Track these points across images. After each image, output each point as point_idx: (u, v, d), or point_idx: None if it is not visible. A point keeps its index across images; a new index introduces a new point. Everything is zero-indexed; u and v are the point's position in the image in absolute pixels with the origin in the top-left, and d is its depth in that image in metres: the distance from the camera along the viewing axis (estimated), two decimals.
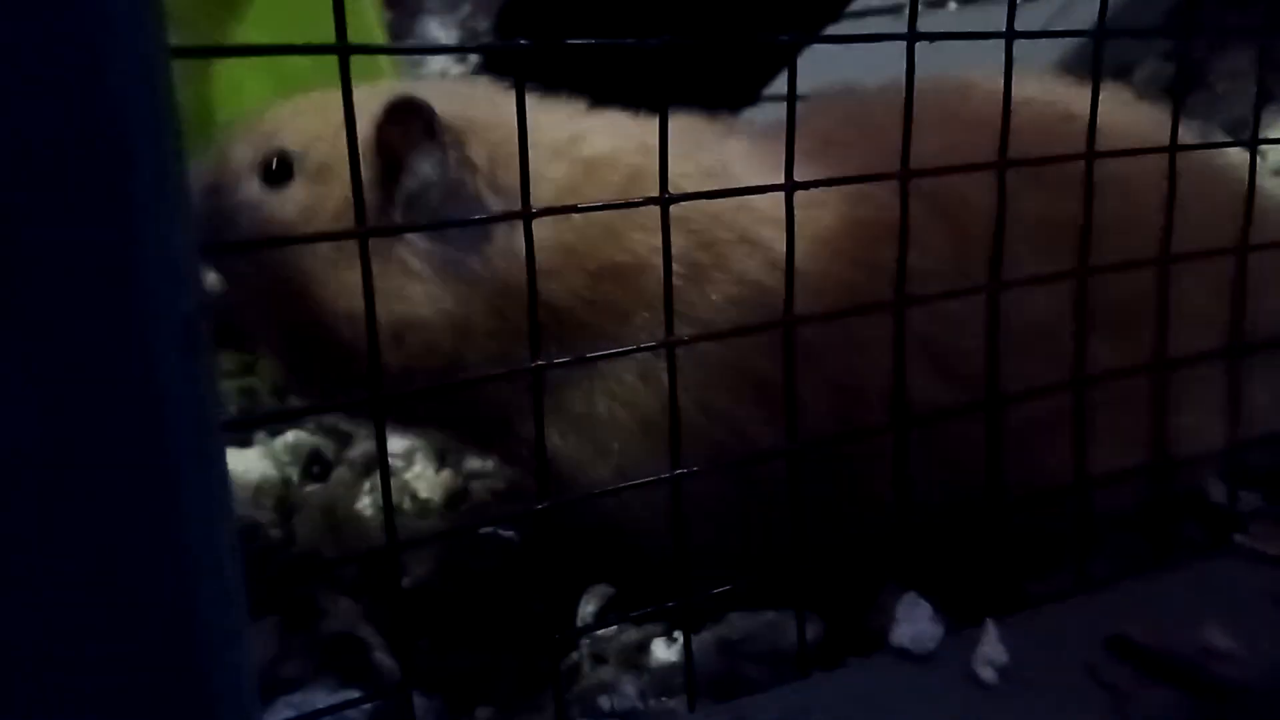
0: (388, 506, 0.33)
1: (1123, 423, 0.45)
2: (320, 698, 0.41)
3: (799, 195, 0.36)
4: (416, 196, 0.42)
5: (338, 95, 0.29)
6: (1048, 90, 0.50)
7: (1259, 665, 0.37)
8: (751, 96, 1.01)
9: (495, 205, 0.42)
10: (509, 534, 0.55)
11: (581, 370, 0.42)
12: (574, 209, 0.37)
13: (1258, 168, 0.47)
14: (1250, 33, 0.92)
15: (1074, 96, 0.47)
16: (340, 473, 0.60)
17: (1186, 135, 0.45)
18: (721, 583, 0.39)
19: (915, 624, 0.39)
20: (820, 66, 0.60)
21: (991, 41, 0.40)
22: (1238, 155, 0.54)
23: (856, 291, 0.43)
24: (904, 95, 0.38)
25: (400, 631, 0.35)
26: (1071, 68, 0.70)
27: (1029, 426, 0.43)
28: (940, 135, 0.43)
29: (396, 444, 0.64)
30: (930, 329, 0.42)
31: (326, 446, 0.61)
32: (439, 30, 1.39)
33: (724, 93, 0.55)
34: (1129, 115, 0.49)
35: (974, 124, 0.44)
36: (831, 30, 1.06)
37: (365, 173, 0.32)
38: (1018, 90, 0.40)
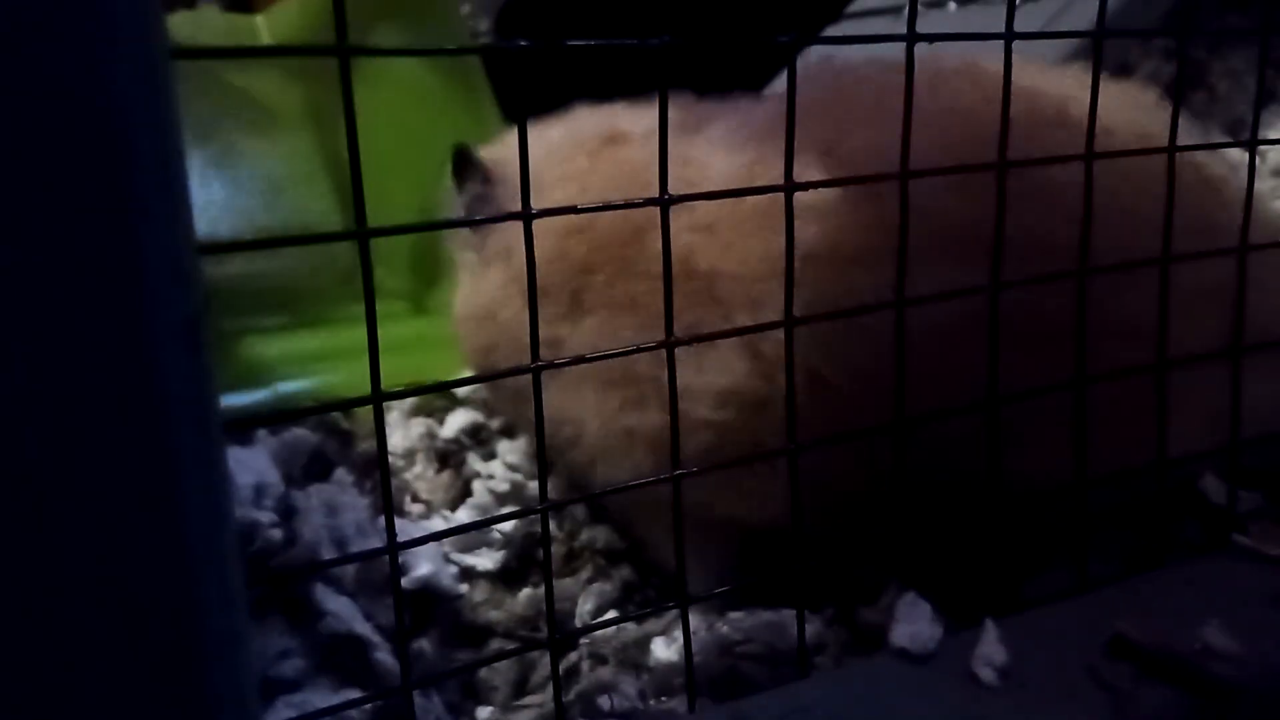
0: (388, 506, 0.33)
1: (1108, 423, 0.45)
2: (320, 698, 0.41)
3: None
4: (468, 205, 0.57)
5: None
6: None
7: (1258, 665, 0.37)
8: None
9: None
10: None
11: None
12: (574, 209, 0.37)
13: (1257, 168, 0.47)
14: (1250, 33, 0.92)
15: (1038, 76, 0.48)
16: (341, 473, 0.60)
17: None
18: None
19: (915, 624, 0.39)
20: None
21: (991, 42, 0.40)
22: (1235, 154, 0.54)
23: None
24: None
25: (400, 631, 0.35)
26: None
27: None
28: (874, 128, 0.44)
29: (397, 443, 0.64)
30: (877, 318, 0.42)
31: (327, 446, 0.61)
32: None
33: (723, 93, 0.55)
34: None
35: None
36: (831, 30, 1.06)
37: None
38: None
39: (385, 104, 0.73)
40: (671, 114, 0.50)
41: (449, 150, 0.57)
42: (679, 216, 0.47)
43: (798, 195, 0.38)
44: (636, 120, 0.54)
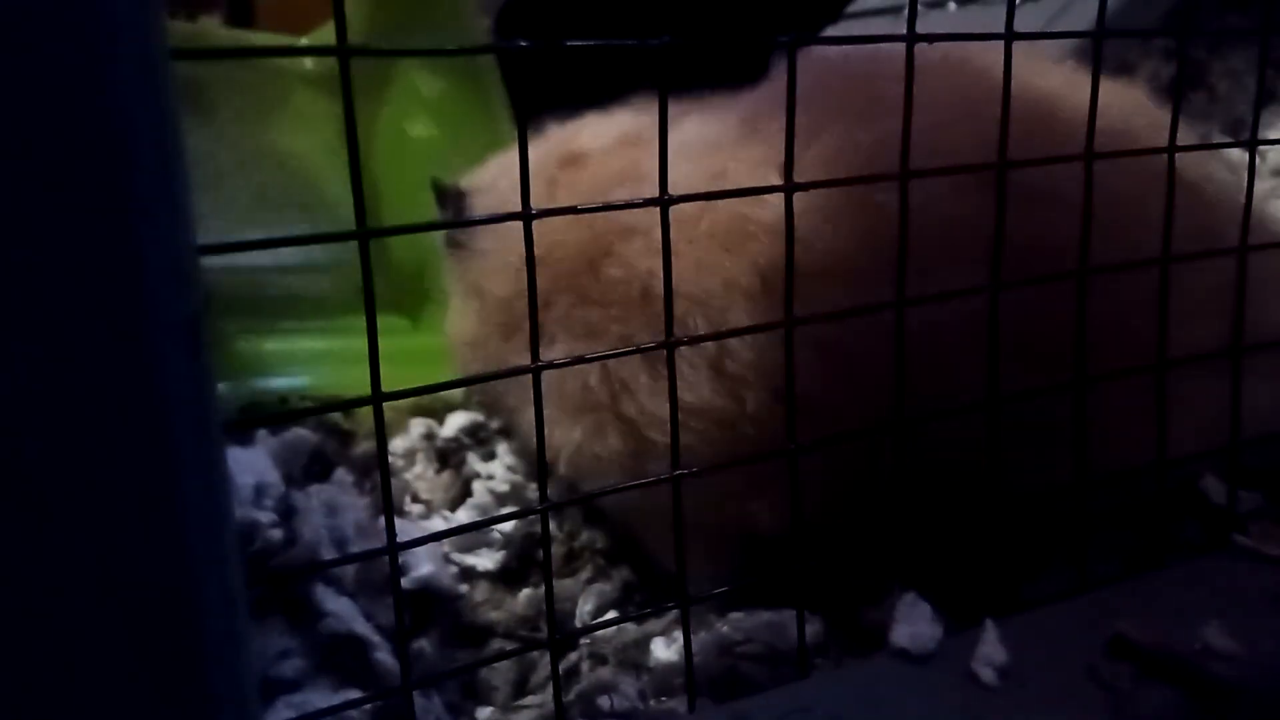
0: (388, 506, 0.33)
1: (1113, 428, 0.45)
2: (320, 698, 0.41)
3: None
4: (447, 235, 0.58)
5: None
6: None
7: (1259, 665, 0.37)
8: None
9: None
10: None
11: None
12: (574, 210, 0.37)
13: (1257, 168, 0.47)
14: (1250, 33, 0.92)
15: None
16: (341, 473, 0.60)
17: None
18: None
19: (915, 624, 0.39)
20: None
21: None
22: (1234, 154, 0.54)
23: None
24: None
25: (400, 631, 0.35)
26: None
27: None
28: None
29: (398, 444, 0.64)
30: (832, 332, 0.42)
31: (327, 446, 0.61)
32: None
33: (714, 88, 0.55)
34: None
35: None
36: (831, 30, 1.06)
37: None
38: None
39: (411, 123, 0.74)
40: (634, 122, 0.50)
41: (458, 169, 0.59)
42: (635, 241, 0.48)
43: (754, 214, 0.38)
44: (597, 135, 0.54)
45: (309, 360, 0.67)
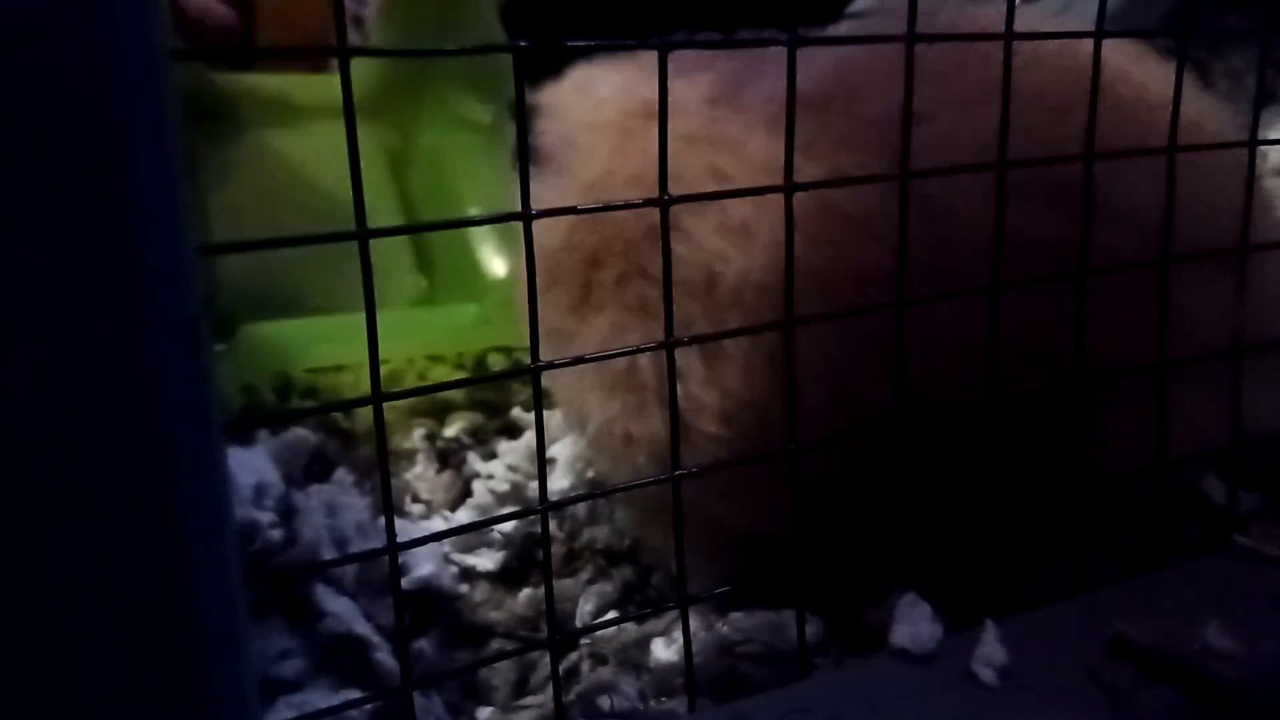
0: (388, 506, 0.33)
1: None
2: (320, 698, 0.41)
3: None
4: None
5: None
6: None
7: (1259, 665, 0.37)
8: None
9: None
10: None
11: None
12: (574, 210, 0.37)
13: (1257, 168, 0.47)
14: (1250, 33, 0.92)
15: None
16: (341, 473, 0.60)
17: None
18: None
19: (915, 624, 0.39)
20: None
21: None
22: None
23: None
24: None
25: (400, 631, 0.35)
26: None
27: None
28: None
29: (398, 444, 0.64)
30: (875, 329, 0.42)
31: (327, 446, 0.61)
32: None
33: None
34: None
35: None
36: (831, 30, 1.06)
37: None
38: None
39: (456, 145, 0.75)
40: (721, 80, 0.46)
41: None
42: (706, 216, 0.43)
43: (837, 201, 0.37)
44: (683, 88, 0.46)
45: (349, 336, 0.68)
